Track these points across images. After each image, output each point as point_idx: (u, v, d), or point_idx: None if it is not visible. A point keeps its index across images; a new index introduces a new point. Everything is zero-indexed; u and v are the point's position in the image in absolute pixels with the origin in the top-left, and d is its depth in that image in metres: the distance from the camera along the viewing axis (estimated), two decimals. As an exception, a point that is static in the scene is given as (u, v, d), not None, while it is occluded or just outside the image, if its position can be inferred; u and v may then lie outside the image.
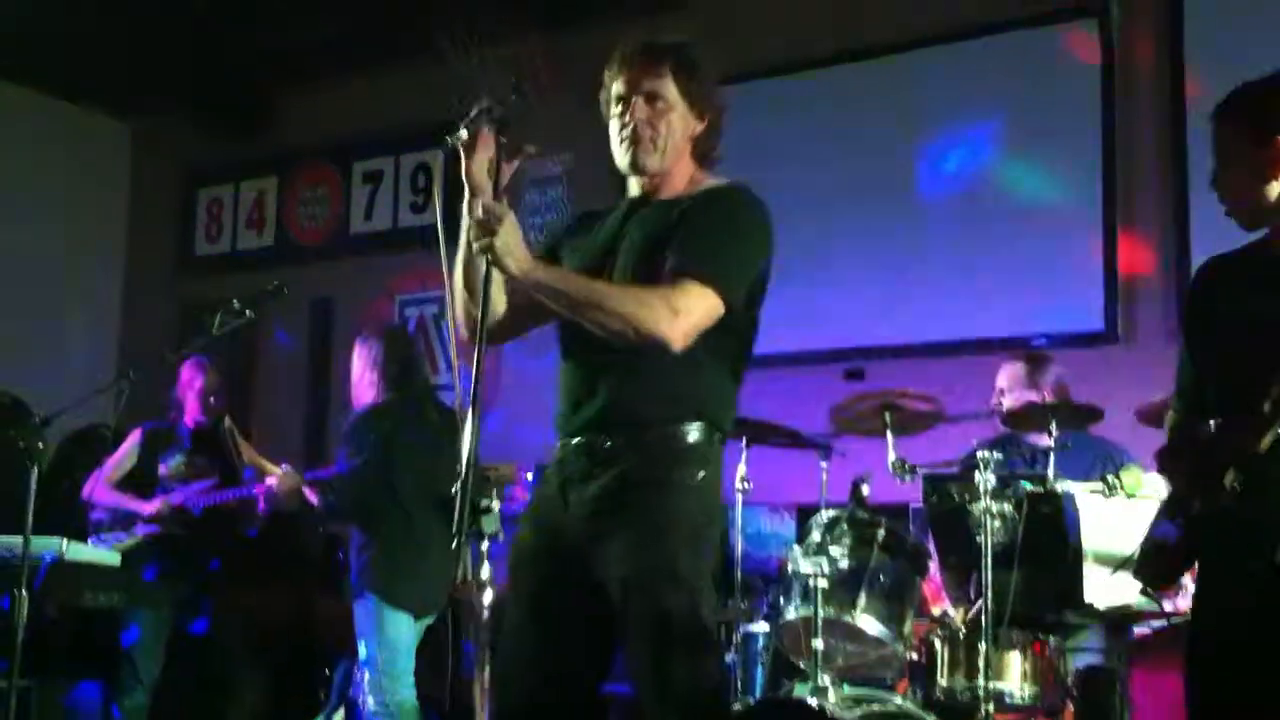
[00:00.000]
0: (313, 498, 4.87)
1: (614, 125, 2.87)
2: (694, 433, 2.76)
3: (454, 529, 2.33)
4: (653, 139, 2.84)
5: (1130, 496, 4.00)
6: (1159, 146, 5.69)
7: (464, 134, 2.67)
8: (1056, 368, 4.85)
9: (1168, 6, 5.74)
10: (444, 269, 2.75)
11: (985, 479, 4.08)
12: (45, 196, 8.18)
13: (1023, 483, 4.19)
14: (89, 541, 5.45)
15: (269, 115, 8.20)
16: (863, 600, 3.97)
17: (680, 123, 2.86)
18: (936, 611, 4.41)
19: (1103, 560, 3.92)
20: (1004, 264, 5.92)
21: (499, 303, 2.89)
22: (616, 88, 2.85)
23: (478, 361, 2.50)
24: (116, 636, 5.45)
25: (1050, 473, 4.23)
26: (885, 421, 4.48)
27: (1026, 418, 4.60)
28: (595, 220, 3.02)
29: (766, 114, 6.17)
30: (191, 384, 5.73)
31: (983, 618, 3.85)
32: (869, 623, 3.99)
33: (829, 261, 6.16)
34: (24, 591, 4.11)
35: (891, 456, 4.40)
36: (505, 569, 2.88)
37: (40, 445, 4.41)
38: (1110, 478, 4.11)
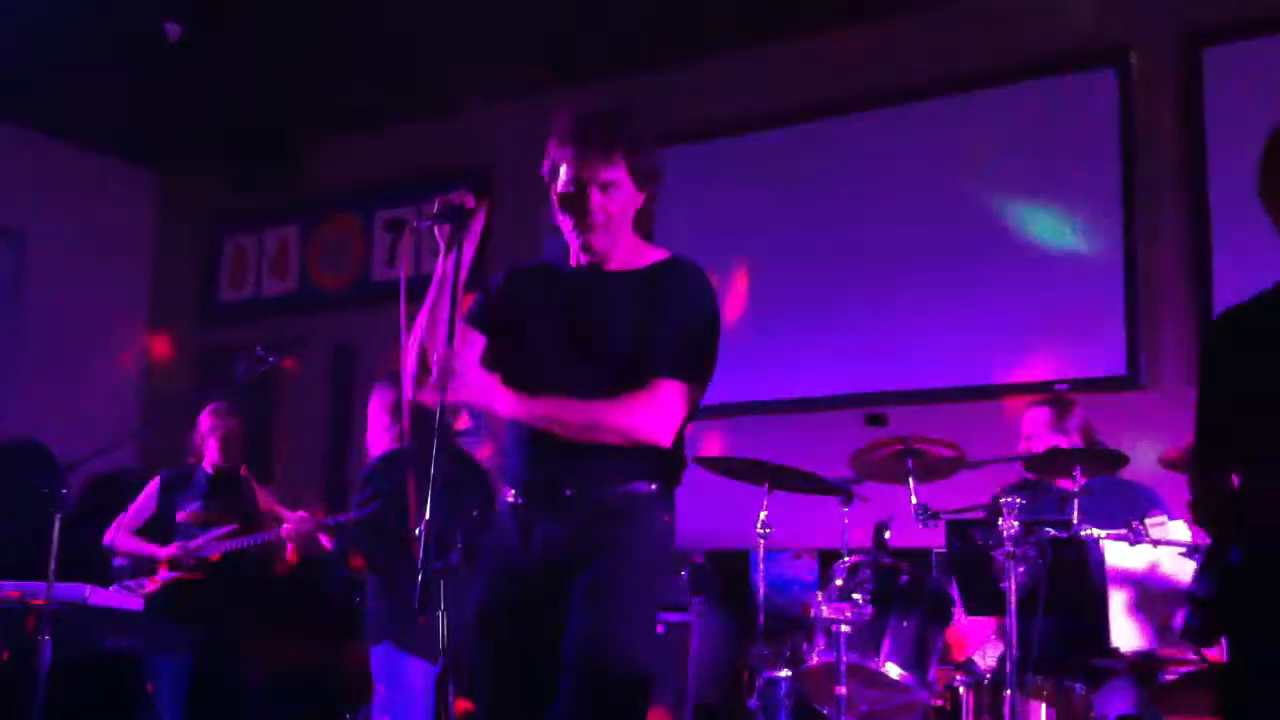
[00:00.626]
0: (328, 543, 4.87)
1: (563, 204, 2.92)
2: (654, 487, 2.89)
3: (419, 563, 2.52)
4: (605, 224, 2.91)
5: (1156, 543, 3.98)
6: (1180, 192, 5.69)
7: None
8: (1082, 411, 4.84)
9: (1187, 54, 5.75)
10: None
11: (1009, 525, 4.07)
12: (71, 243, 8.26)
13: (1047, 528, 4.18)
14: (111, 588, 5.45)
15: (295, 164, 8.26)
16: (886, 646, 3.95)
17: (628, 200, 2.93)
18: (961, 658, 4.38)
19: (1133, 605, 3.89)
20: (1026, 308, 5.92)
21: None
22: (568, 170, 2.88)
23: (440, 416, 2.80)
24: (138, 682, 5.45)
25: (1075, 518, 4.21)
26: (907, 467, 4.47)
27: (1051, 463, 4.58)
28: (541, 280, 3.07)
29: (796, 159, 6.20)
30: (212, 429, 5.74)
31: (1007, 664, 3.82)
32: (893, 669, 3.97)
33: (850, 306, 6.18)
34: (48, 636, 4.12)
35: (914, 502, 4.39)
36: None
37: (63, 491, 4.44)
38: (1136, 523, 4.09)
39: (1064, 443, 4.66)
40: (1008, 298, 5.96)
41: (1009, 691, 3.78)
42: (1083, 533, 4.14)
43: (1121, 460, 4.45)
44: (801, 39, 6.57)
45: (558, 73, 6.90)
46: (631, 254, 2.97)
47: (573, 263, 3.01)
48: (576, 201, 2.89)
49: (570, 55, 6.86)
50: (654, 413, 2.80)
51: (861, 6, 6.33)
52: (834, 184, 6.33)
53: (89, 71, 7.18)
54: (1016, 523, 4.10)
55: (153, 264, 8.96)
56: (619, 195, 2.89)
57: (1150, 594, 3.77)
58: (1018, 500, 4.05)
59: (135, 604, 5.29)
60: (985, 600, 4.26)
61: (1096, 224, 5.83)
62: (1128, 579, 3.98)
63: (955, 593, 4.46)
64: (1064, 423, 4.77)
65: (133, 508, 5.72)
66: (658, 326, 2.85)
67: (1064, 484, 4.61)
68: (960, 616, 4.32)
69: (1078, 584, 4.05)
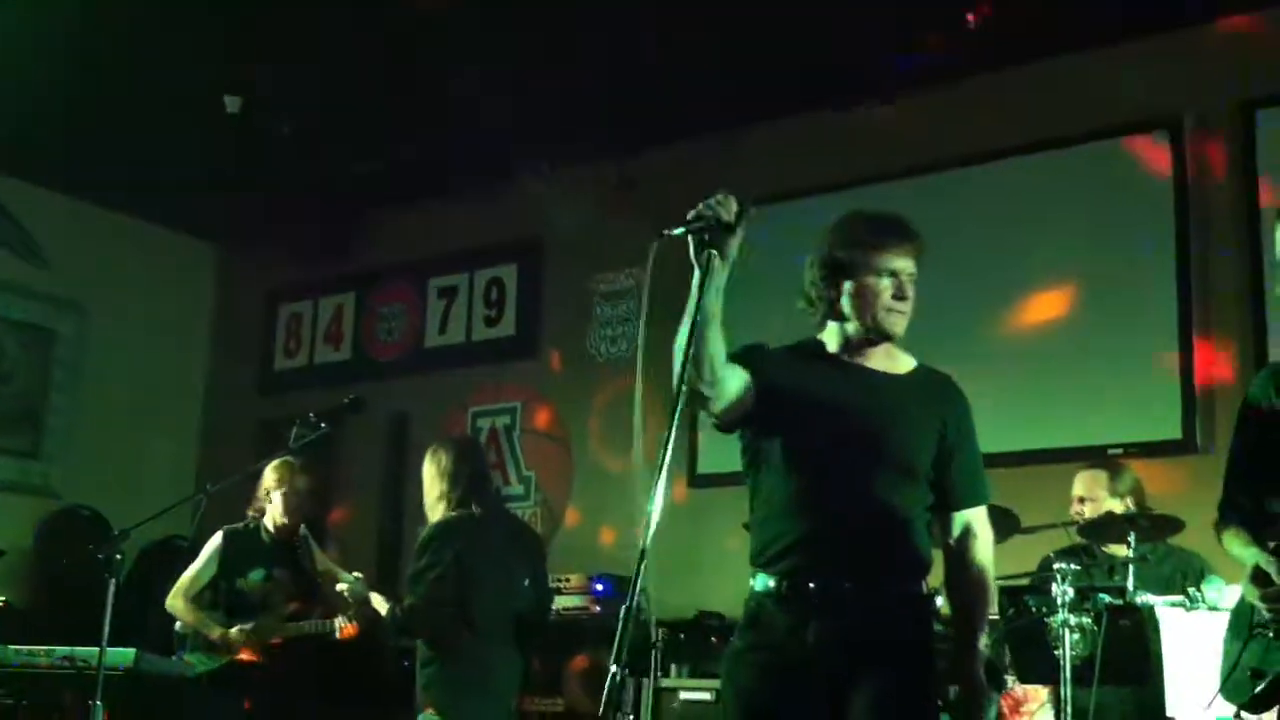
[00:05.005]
0: (382, 608, 4.86)
1: (886, 293, 2.94)
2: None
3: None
4: (909, 316, 2.99)
5: (1213, 609, 3.91)
6: (1235, 255, 5.65)
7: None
8: (1134, 475, 4.78)
9: (1240, 117, 5.73)
10: (639, 368, 2.63)
11: (1063, 591, 4.02)
12: (132, 316, 8.42)
13: (1101, 595, 4.12)
14: (175, 656, 5.42)
15: (352, 236, 8.39)
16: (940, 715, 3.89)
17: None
18: (1015, 728, 4.30)
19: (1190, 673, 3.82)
20: (1081, 373, 5.87)
21: (731, 383, 2.85)
22: (898, 262, 2.95)
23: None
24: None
25: (1130, 584, 4.15)
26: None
27: (1104, 528, 4.53)
28: (809, 359, 3.03)
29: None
30: (278, 483, 5.59)
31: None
32: (946, 739, 3.90)
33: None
34: (99, 702, 4.14)
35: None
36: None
37: (118, 557, 4.49)
38: (1192, 590, 4.02)
39: (1117, 505, 4.60)
40: (1063, 362, 5.91)
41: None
42: (1138, 599, 4.08)
43: (1177, 525, 4.38)
44: (850, 110, 6.61)
45: (608, 145, 6.97)
46: (888, 353, 3.02)
47: (836, 351, 3.01)
48: (900, 288, 2.94)
49: (619, 127, 6.92)
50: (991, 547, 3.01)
51: (928, 77, 6.35)
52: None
53: (150, 145, 7.32)
54: (1071, 589, 4.05)
55: (212, 335, 9.11)
56: (914, 290, 2.98)
57: (1206, 662, 3.69)
58: (1070, 566, 4.00)
59: (188, 670, 5.29)
60: (1039, 668, 4.20)
61: (1152, 287, 5.79)
62: (1185, 647, 3.91)
63: (1009, 660, 4.39)
64: (1118, 485, 4.71)
65: (191, 569, 5.62)
66: (966, 457, 2.99)
67: (1115, 549, 4.55)
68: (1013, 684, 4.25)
69: (1134, 652, 3.98)
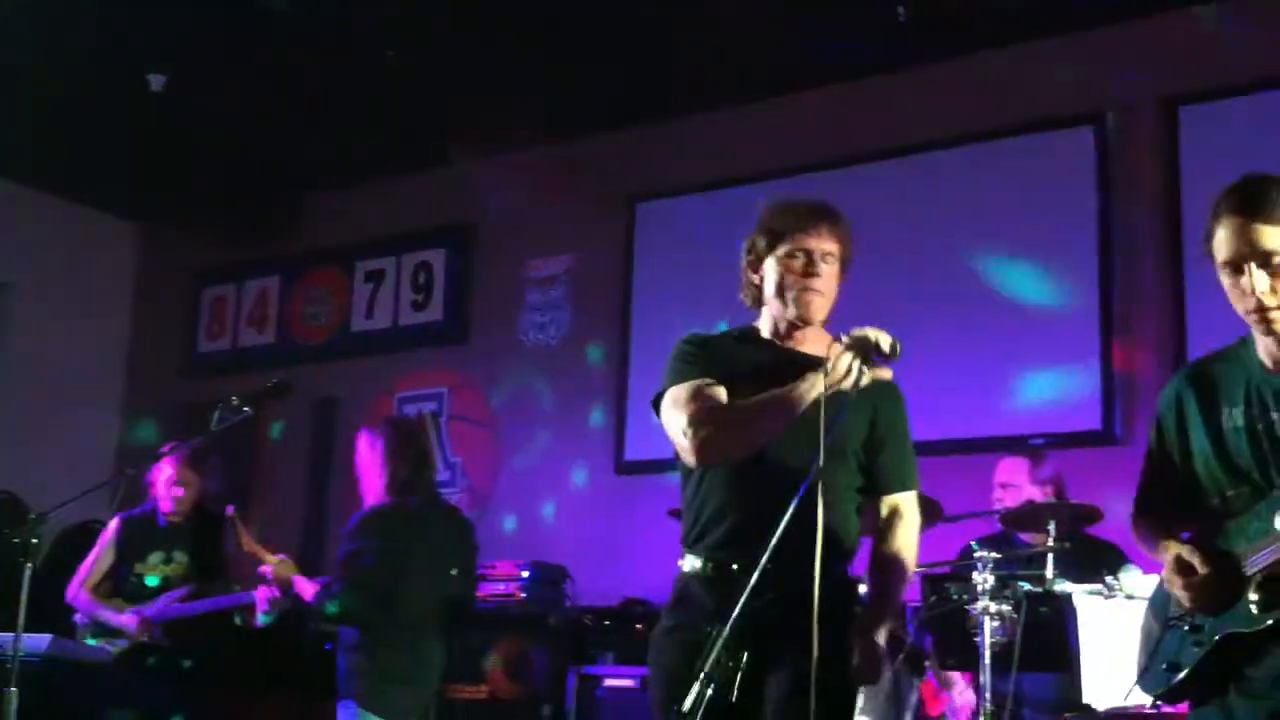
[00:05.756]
0: (306, 593, 4.80)
1: (791, 276, 2.98)
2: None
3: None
4: (827, 297, 3.02)
5: (1130, 598, 3.97)
6: (1156, 249, 5.74)
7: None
8: (1055, 465, 4.86)
9: (1164, 115, 5.82)
10: None
11: (984, 579, 4.07)
12: (51, 296, 8.27)
13: (1022, 583, 4.17)
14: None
15: (279, 218, 8.29)
16: (860, 701, 3.92)
17: (834, 278, 3.04)
18: (936, 713, 4.36)
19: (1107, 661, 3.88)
20: (1002, 363, 5.95)
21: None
22: (811, 242, 2.98)
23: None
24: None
25: (1049, 573, 4.21)
26: (883, 520, 4.46)
27: (1025, 517, 4.59)
28: (744, 345, 3.08)
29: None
30: (160, 474, 5.54)
31: (981, 718, 3.80)
32: (867, 724, 3.94)
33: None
34: (14, 689, 4.07)
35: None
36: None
37: (34, 541, 4.40)
38: (1110, 579, 4.09)
39: (1039, 494, 4.68)
40: (984, 353, 5.98)
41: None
42: (1057, 588, 4.14)
43: (1096, 515, 4.46)
44: (784, 98, 6.65)
45: (545, 130, 6.94)
46: (817, 338, 3.02)
47: (767, 335, 3.07)
48: (808, 267, 2.97)
49: (558, 112, 6.89)
50: (916, 533, 3.08)
51: (849, 67, 6.41)
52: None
53: (73, 123, 7.20)
54: (991, 577, 4.10)
55: (134, 316, 8.96)
56: (835, 273, 3.02)
57: (1124, 650, 3.75)
58: (990, 554, 4.05)
59: (103, 656, 5.22)
60: (959, 654, 4.25)
61: (1074, 280, 5.88)
62: (1102, 635, 3.98)
63: (930, 646, 4.44)
64: (1039, 474, 4.80)
65: (89, 560, 5.52)
66: (898, 438, 3.09)
67: (1027, 538, 4.63)
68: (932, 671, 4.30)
69: (1052, 639, 4.04)
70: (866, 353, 2.77)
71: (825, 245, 2.99)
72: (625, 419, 6.71)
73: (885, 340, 2.78)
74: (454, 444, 7.52)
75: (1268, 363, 2.57)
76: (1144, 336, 5.73)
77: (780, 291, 2.99)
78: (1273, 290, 2.46)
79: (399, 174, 7.80)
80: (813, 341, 3.02)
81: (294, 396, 5.41)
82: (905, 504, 3.08)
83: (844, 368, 2.76)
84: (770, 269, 3.01)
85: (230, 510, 5.41)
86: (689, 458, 2.90)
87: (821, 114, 6.62)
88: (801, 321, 3.01)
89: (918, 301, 6.14)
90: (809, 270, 2.97)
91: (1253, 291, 2.46)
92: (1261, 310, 2.48)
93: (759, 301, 3.07)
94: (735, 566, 2.82)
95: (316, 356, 8.05)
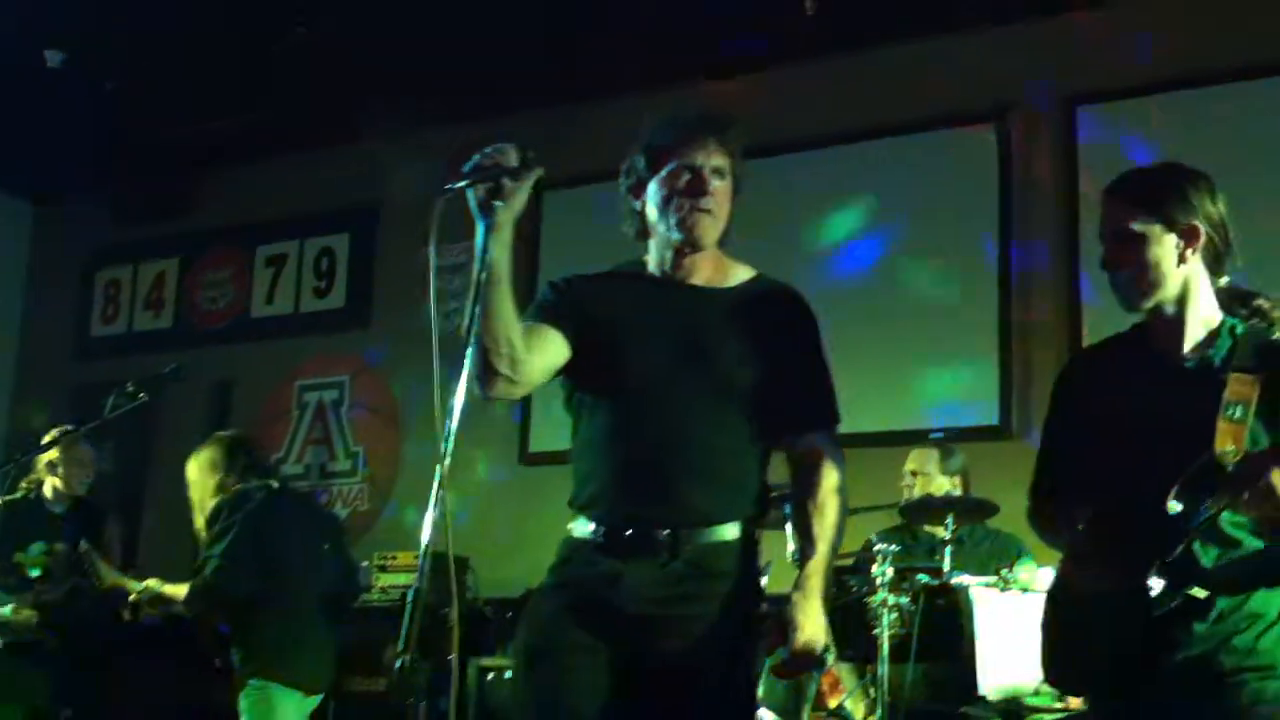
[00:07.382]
0: (180, 595, 4.70)
1: (677, 196, 2.65)
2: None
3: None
4: (718, 217, 2.69)
5: (1024, 590, 4.04)
6: (1054, 246, 5.84)
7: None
8: (963, 458, 4.93)
9: (1062, 115, 5.92)
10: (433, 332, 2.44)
11: (883, 571, 4.11)
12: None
13: (920, 576, 4.23)
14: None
15: (176, 198, 8.12)
16: (758, 692, 3.94)
17: (727, 197, 2.72)
18: (834, 704, 4.39)
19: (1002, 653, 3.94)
20: (902, 358, 6.01)
21: (541, 360, 2.62)
22: (699, 156, 2.65)
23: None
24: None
25: (947, 566, 4.27)
26: (783, 513, 4.48)
27: (925, 510, 4.65)
28: (628, 284, 2.77)
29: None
30: (60, 452, 5.40)
31: (879, 710, 3.84)
32: (766, 715, 3.97)
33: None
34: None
35: (790, 548, 4.40)
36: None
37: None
38: (1005, 571, 4.15)
39: (946, 484, 4.76)
40: (884, 348, 6.04)
41: (880, 738, 3.80)
42: (954, 580, 4.20)
43: (993, 509, 4.52)
44: (697, 86, 6.64)
45: (449, 110, 6.87)
46: (716, 266, 2.75)
47: (655, 270, 2.75)
48: (694, 184, 2.64)
49: (462, 92, 6.82)
50: (842, 478, 2.68)
51: (754, 59, 6.42)
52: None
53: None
54: (890, 569, 4.15)
55: (25, 297, 8.73)
56: (729, 192, 2.69)
57: (1018, 642, 3.81)
58: (890, 547, 4.09)
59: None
60: (858, 646, 4.29)
61: (972, 276, 5.96)
62: (997, 627, 4.04)
63: (830, 638, 4.47)
64: (948, 465, 4.87)
65: None
66: (799, 373, 2.73)
67: (934, 531, 4.68)
68: (831, 662, 4.33)
69: (948, 631, 4.09)
70: (495, 179, 2.40)
71: (714, 160, 2.66)
72: (531, 410, 6.67)
73: (508, 159, 2.41)
74: (356, 433, 7.44)
75: (1157, 346, 2.62)
76: (1042, 330, 5.82)
77: (664, 215, 2.66)
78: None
79: (303, 152, 7.66)
80: (706, 269, 2.72)
81: (188, 381, 5.31)
82: (826, 443, 2.70)
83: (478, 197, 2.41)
84: (653, 192, 2.67)
85: (83, 546, 5.17)
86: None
87: (726, 104, 6.62)
88: (690, 247, 2.68)
89: (819, 296, 6.16)
90: (696, 188, 2.63)
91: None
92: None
93: (644, 233, 2.74)
94: (630, 533, 2.56)
95: (215, 340, 7.90)
